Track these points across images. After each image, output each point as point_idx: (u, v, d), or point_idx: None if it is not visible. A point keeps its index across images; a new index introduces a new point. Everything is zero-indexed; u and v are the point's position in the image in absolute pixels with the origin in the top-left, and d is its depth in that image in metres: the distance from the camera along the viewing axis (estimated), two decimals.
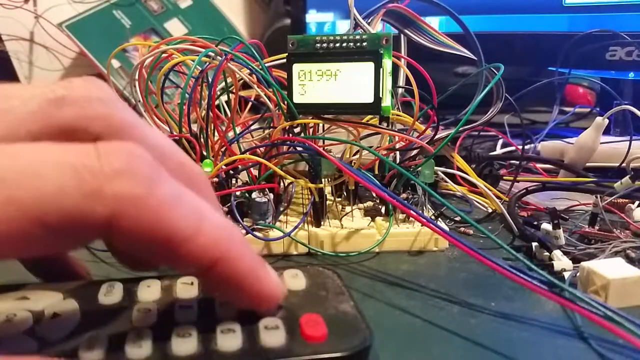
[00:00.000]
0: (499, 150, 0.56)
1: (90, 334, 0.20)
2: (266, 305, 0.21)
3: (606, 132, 0.47)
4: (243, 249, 0.20)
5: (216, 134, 0.35)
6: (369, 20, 0.36)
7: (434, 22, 0.57)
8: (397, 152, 0.38)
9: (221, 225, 0.19)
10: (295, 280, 0.24)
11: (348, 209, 0.36)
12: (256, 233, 0.33)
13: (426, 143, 0.35)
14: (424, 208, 0.35)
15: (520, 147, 0.48)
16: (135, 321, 0.21)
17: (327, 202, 0.36)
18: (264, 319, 0.21)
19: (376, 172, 0.39)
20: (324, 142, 0.38)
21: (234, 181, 0.37)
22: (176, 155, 0.21)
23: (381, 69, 0.31)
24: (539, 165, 0.49)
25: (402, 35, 0.38)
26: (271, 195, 0.34)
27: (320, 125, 0.36)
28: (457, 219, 0.38)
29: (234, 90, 0.36)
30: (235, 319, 0.21)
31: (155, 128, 0.21)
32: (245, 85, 0.36)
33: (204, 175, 0.22)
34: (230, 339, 0.20)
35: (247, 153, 0.35)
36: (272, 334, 0.20)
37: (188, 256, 0.18)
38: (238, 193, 0.34)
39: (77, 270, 0.25)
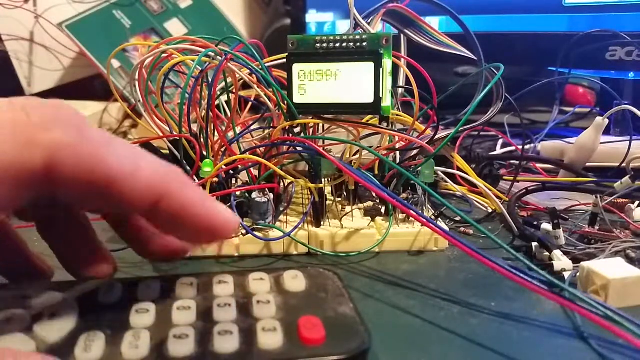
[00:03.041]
0: (499, 150, 0.56)
1: (87, 335, 0.20)
2: (220, 235, 0.21)
3: (606, 132, 0.47)
4: (186, 183, 0.21)
5: (216, 134, 0.35)
6: (369, 20, 0.36)
7: (434, 22, 0.57)
8: (397, 152, 0.38)
9: (159, 162, 0.20)
10: (295, 281, 0.24)
11: (348, 209, 0.36)
12: (256, 233, 0.33)
13: (426, 143, 0.35)
14: (424, 208, 0.35)
15: (520, 147, 0.48)
16: (133, 322, 0.21)
17: (327, 202, 0.36)
18: (262, 320, 0.21)
19: (376, 172, 0.39)
20: (324, 142, 0.38)
21: (234, 181, 0.37)
22: None
23: (381, 69, 0.31)
24: (539, 165, 0.49)
25: (402, 35, 0.38)
26: (271, 195, 0.34)
27: (320, 125, 0.36)
28: (457, 219, 0.38)
29: (234, 90, 0.36)
30: (234, 320, 0.21)
31: None
32: (245, 85, 0.36)
33: None
34: (227, 341, 0.20)
35: (247, 153, 0.35)
36: (270, 336, 0.20)
37: (131, 194, 0.19)
38: (238, 193, 0.34)
39: (40, 266, 0.25)
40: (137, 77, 0.35)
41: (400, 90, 0.39)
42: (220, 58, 0.33)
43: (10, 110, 0.18)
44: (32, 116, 0.18)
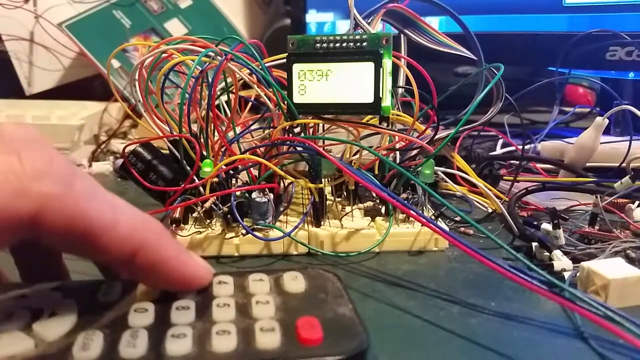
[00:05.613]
0: (499, 150, 0.56)
1: (85, 333, 0.20)
2: (194, 287, 0.23)
3: (606, 132, 0.47)
4: (162, 237, 0.22)
5: (216, 134, 0.35)
6: (369, 20, 0.36)
7: (434, 22, 0.57)
8: (397, 152, 0.38)
9: (138, 216, 0.21)
10: (295, 282, 0.24)
11: (348, 209, 0.36)
12: (256, 233, 0.33)
13: (426, 143, 0.35)
14: (424, 208, 0.35)
15: (520, 147, 0.48)
16: (131, 321, 0.21)
17: (327, 202, 0.36)
18: (260, 320, 0.21)
19: (376, 172, 0.39)
20: (324, 142, 0.38)
21: (234, 181, 0.37)
22: None
23: (381, 69, 0.31)
24: (539, 165, 0.49)
25: (402, 35, 0.38)
26: (271, 195, 0.34)
27: (320, 125, 0.36)
28: (457, 219, 0.38)
29: (234, 90, 0.36)
30: (232, 320, 0.21)
31: None
32: (245, 85, 0.36)
33: None
34: (225, 340, 0.20)
35: (247, 153, 0.35)
36: (268, 336, 0.20)
37: (109, 246, 0.20)
38: (238, 193, 0.34)
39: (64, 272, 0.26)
40: (137, 77, 0.35)
41: (400, 90, 0.39)
42: (220, 58, 0.33)
43: (4, 152, 0.19)
44: (25, 164, 0.19)
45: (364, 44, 0.32)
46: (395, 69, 0.35)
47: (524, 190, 0.40)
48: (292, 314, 0.21)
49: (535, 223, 0.35)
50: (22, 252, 0.24)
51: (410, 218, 0.35)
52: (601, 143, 0.47)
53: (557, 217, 0.33)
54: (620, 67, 0.55)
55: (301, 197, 0.40)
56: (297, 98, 0.33)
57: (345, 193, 0.38)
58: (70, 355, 0.19)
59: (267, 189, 0.34)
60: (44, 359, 0.19)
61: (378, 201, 0.37)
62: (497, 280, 0.29)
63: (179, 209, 0.33)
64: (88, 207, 0.20)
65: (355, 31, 0.35)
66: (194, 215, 0.35)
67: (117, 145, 0.62)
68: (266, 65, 0.34)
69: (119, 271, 0.24)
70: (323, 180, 0.35)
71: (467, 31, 0.37)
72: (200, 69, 0.34)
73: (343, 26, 0.67)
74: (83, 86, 0.80)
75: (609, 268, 0.27)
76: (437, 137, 0.36)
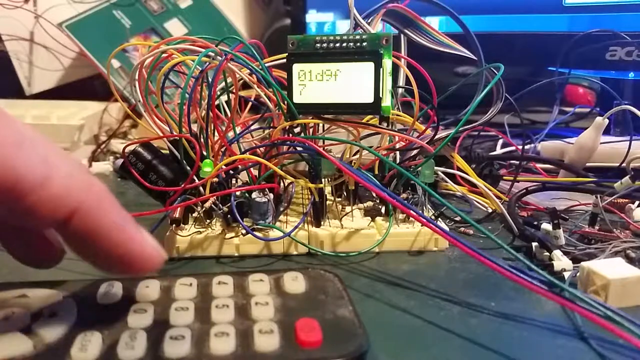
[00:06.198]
0: (499, 150, 0.55)
1: (84, 334, 0.20)
2: (137, 269, 0.19)
3: (606, 132, 0.47)
4: (105, 201, 0.19)
5: (216, 134, 0.35)
6: (369, 20, 0.36)
7: (434, 22, 0.57)
8: (397, 152, 0.38)
9: (77, 174, 0.18)
10: (295, 283, 0.24)
11: (348, 209, 0.36)
12: (256, 233, 0.33)
13: (426, 143, 0.35)
14: (424, 208, 0.35)
15: (520, 147, 0.48)
16: (130, 322, 0.21)
17: (327, 202, 0.36)
18: (259, 322, 0.21)
19: (376, 172, 0.39)
20: (324, 142, 0.38)
21: (234, 181, 0.37)
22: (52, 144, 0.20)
23: (381, 69, 0.31)
24: (539, 165, 0.49)
25: (402, 35, 0.38)
26: (271, 195, 0.34)
27: (320, 125, 0.36)
28: (457, 219, 0.38)
29: (234, 90, 0.36)
30: (231, 322, 0.21)
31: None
32: (245, 85, 0.36)
33: (83, 165, 0.21)
34: (223, 343, 0.20)
35: (247, 153, 0.35)
36: (266, 339, 0.20)
37: (38, 206, 0.17)
38: (238, 193, 0.34)
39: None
40: (137, 77, 0.35)
41: (400, 90, 0.39)
42: (220, 58, 0.33)
43: None
44: None
45: (364, 44, 0.32)
46: (395, 69, 0.35)
47: (524, 190, 0.39)
48: (292, 315, 0.21)
49: (535, 223, 0.35)
50: None
51: (410, 218, 0.35)
52: (601, 143, 0.47)
53: (557, 217, 0.33)
54: (620, 67, 0.55)
55: (301, 197, 0.40)
56: (297, 98, 0.33)
57: (345, 193, 0.38)
58: (68, 356, 0.19)
59: (267, 189, 0.34)
60: None
61: (378, 201, 0.37)
62: (497, 280, 0.29)
63: (179, 209, 0.33)
64: (14, 155, 0.17)
65: (355, 31, 0.35)
66: (194, 215, 0.35)
67: (117, 145, 0.62)
68: (266, 65, 0.34)
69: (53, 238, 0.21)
70: (323, 180, 0.35)
71: (467, 31, 0.37)
72: (200, 69, 0.34)
73: (343, 26, 0.67)
74: (83, 86, 0.80)
75: (609, 268, 0.27)
76: (437, 137, 0.36)
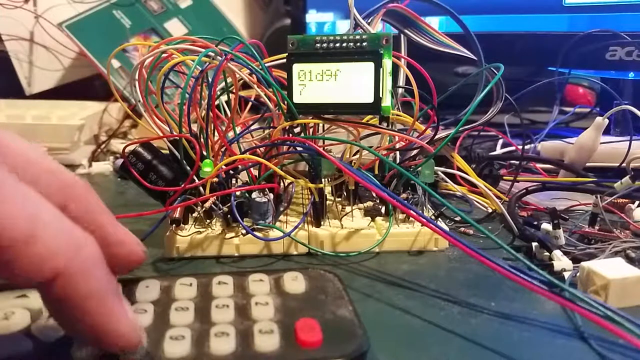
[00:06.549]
0: (499, 150, 0.56)
1: None
2: (110, 345, 0.18)
3: (606, 132, 0.47)
4: (91, 267, 0.17)
5: (216, 134, 0.35)
6: (369, 20, 0.36)
7: (434, 22, 0.57)
8: (397, 152, 0.38)
9: (67, 234, 0.17)
10: (295, 283, 0.24)
11: (348, 209, 0.36)
12: (256, 233, 0.33)
13: (426, 143, 0.35)
14: (424, 208, 0.35)
15: (520, 147, 0.48)
16: None
17: (327, 202, 0.36)
18: (259, 322, 0.21)
19: (376, 172, 0.39)
20: (324, 142, 0.38)
21: (234, 181, 0.37)
22: (43, 163, 0.19)
23: (381, 69, 0.31)
24: (539, 165, 0.49)
25: (402, 35, 0.38)
26: (271, 195, 0.34)
27: (320, 125, 0.36)
28: (457, 219, 0.38)
29: (234, 90, 0.36)
30: (231, 322, 0.21)
31: (22, 141, 0.19)
32: (245, 85, 0.36)
33: (82, 182, 0.21)
34: (223, 343, 0.20)
35: (247, 153, 0.35)
36: (267, 339, 0.20)
37: (17, 264, 0.16)
38: (238, 193, 0.34)
39: None
40: (137, 77, 0.35)
41: (400, 90, 0.39)
42: (220, 58, 0.33)
43: None
44: None
45: (364, 44, 0.32)
46: (395, 69, 0.35)
47: (524, 190, 0.39)
48: (292, 315, 0.21)
49: (535, 223, 0.35)
50: None
51: (410, 218, 0.35)
52: (601, 143, 0.47)
53: (557, 217, 0.33)
54: (620, 67, 0.55)
55: (301, 197, 0.40)
56: (297, 98, 0.33)
57: (345, 193, 0.38)
58: (68, 356, 0.19)
59: (267, 189, 0.34)
60: None
61: (378, 201, 0.37)
62: (497, 280, 0.29)
63: (179, 209, 0.33)
64: None
65: (355, 31, 0.35)
66: (194, 215, 0.35)
67: (117, 145, 0.62)
68: (266, 65, 0.34)
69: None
70: (323, 180, 0.35)
71: (467, 31, 0.37)
72: (200, 69, 0.34)
73: (343, 26, 0.67)
74: (83, 86, 0.80)
75: (609, 268, 0.27)
76: (437, 137, 0.36)
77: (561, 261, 0.30)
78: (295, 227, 0.33)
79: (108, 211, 0.21)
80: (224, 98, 0.39)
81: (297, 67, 0.33)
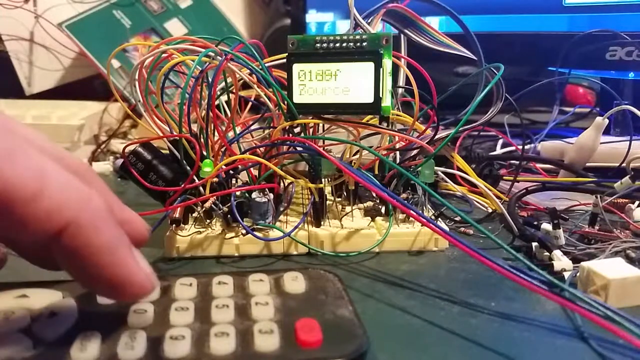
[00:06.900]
0: (499, 150, 0.56)
1: (84, 334, 0.20)
2: (124, 294, 0.19)
3: (606, 132, 0.47)
4: (100, 220, 0.18)
5: (216, 134, 0.35)
6: (369, 20, 0.36)
7: (434, 22, 0.57)
8: (397, 152, 0.38)
9: (74, 189, 0.18)
10: (295, 283, 0.24)
11: (348, 209, 0.36)
12: (256, 233, 0.33)
13: (426, 143, 0.35)
14: (424, 208, 0.35)
15: (520, 147, 0.48)
16: (130, 322, 0.21)
17: (327, 202, 0.36)
18: (259, 322, 0.21)
19: (376, 172, 0.39)
20: (324, 142, 0.38)
21: (234, 181, 0.37)
22: (50, 148, 0.20)
23: (381, 69, 0.31)
24: (539, 165, 0.49)
25: (402, 35, 0.38)
26: (271, 195, 0.34)
27: (320, 125, 0.36)
28: (457, 219, 0.38)
29: (234, 90, 0.36)
30: (231, 322, 0.21)
31: (27, 127, 0.20)
32: (245, 85, 0.36)
33: (87, 166, 0.21)
34: (223, 343, 0.20)
35: (247, 153, 0.35)
36: (266, 339, 0.20)
37: (28, 220, 0.17)
38: (238, 193, 0.34)
39: None
40: (137, 77, 0.35)
41: (400, 90, 0.39)
42: (220, 58, 0.33)
43: None
44: None
45: (364, 44, 0.32)
46: (395, 69, 0.35)
47: (524, 190, 0.39)
48: (292, 315, 0.21)
49: (535, 223, 0.35)
50: None
51: (410, 218, 0.35)
52: (601, 143, 0.47)
53: (557, 217, 0.33)
54: (620, 67, 0.55)
55: (301, 197, 0.40)
56: (297, 98, 0.33)
57: (345, 193, 0.38)
58: (68, 356, 0.19)
59: (267, 189, 0.34)
60: None
61: (378, 201, 0.37)
62: (497, 280, 0.29)
63: (179, 209, 0.33)
64: (5, 166, 0.16)
65: (355, 31, 0.35)
66: (194, 215, 0.35)
67: (117, 145, 0.62)
68: (266, 65, 0.34)
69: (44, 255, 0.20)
70: (323, 180, 0.35)
71: (467, 31, 0.37)
72: (200, 69, 0.34)
73: (343, 26, 0.67)
74: (83, 86, 0.80)
75: (609, 268, 0.27)
76: (437, 137, 0.36)
77: (561, 261, 0.30)
78: (295, 227, 0.33)
79: (112, 193, 0.22)
80: (224, 98, 0.39)
81: (297, 67, 0.33)
